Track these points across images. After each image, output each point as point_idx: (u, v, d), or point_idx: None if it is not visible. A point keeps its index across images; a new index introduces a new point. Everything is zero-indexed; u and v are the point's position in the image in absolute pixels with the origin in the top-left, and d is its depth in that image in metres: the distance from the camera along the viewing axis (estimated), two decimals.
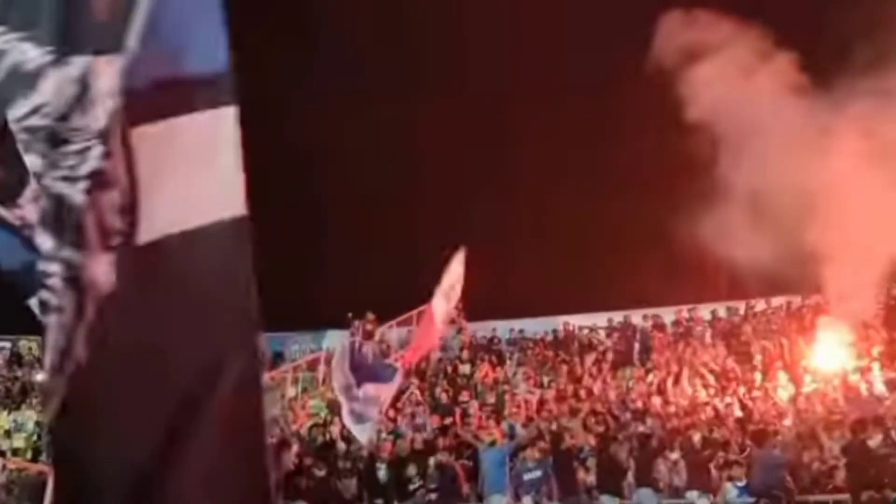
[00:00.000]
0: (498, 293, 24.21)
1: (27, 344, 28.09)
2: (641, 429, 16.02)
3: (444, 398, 19.40)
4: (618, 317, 23.22)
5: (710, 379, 18.92)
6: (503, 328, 24.18)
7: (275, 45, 22.85)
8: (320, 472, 15.43)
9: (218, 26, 2.23)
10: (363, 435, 13.27)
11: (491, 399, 19.01)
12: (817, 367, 18.50)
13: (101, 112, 2.15)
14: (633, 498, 14.53)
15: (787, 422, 15.92)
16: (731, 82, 19.45)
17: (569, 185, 24.21)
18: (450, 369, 22.08)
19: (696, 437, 15.15)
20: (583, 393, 18.93)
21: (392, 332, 24.03)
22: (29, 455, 21.48)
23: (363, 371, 12.65)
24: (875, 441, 13.23)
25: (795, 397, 17.39)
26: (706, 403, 17.57)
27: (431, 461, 15.84)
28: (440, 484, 15.34)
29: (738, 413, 16.86)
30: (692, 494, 14.14)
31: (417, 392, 19.78)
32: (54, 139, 2.19)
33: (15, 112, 2.24)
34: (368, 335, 20.79)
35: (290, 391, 20.96)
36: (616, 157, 23.28)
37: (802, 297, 21.41)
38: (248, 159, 2.24)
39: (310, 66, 24.70)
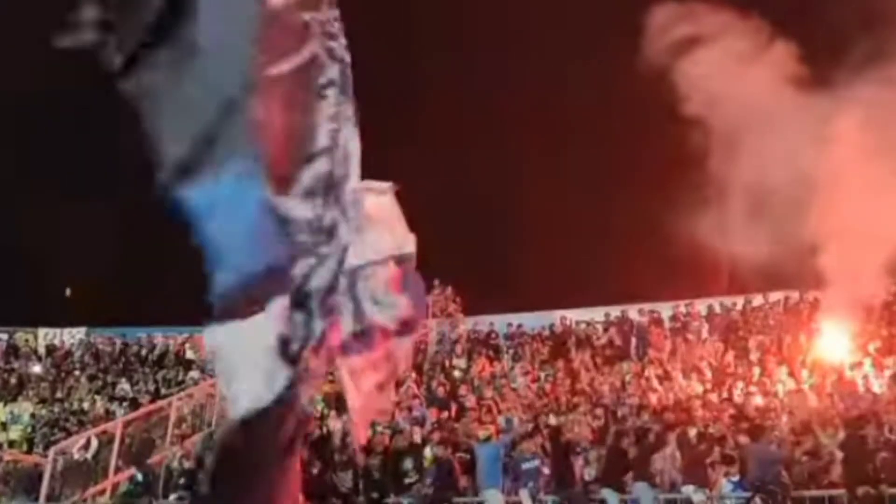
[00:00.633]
0: (495, 288, 24.24)
1: (23, 336, 28.08)
2: (639, 423, 16.05)
3: (440, 392, 19.38)
4: (615, 311, 23.20)
5: (707, 374, 18.97)
6: (500, 323, 24.16)
7: None
8: (315, 467, 15.41)
9: None
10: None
11: (488, 393, 19.00)
12: (814, 363, 18.52)
13: None
14: (630, 492, 14.51)
15: (784, 417, 15.92)
16: (728, 74, 19.44)
17: (566, 180, 24.23)
18: (447, 363, 22.08)
19: (692, 432, 15.15)
20: (580, 387, 18.97)
21: None
22: (24, 447, 21.49)
23: None
24: (872, 437, 13.22)
25: (792, 392, 17.42)
26: (702, 398, 17.60)
27: (428, 455, 15.84)
28: (437, 477, 15.32)
29: (734, 408, 16.89)
30: (688, 489, 14.10)
31: (414, 386, 19.76)
32: None
33: None
34: None
35: None
36: (614, 153, 23.32)
37: (800, 293, 21.41)
38: None
39: None
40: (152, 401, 21.55)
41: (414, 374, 20.75)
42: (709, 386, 18.51)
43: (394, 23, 24.89)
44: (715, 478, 14.27)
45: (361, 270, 3.46)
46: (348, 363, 4.12)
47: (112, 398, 23.11)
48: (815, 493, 13.48)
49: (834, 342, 18.93)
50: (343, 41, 3.27)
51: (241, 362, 2.93)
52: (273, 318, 2.92)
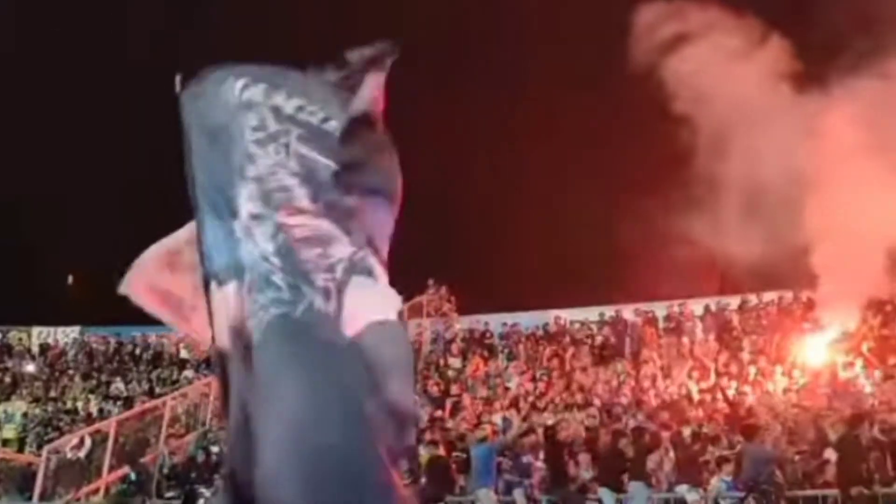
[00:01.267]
0: (490, 288, 24.25)
1: (17, 335, 28.02)
2: (633, 423, 16.08)
3: (434, 391, 19.39)
4: (609, 311, 23.23)
5: (701, 373, 19.00)
6: (495, 322, 24.18)
7: None
8: None
9: None
10: None
11: (483, 393, 19.02)
12: (808, 362, 18.56)
13: None
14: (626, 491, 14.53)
15: (778, 416, 15.96)
16: (718, 72, 19.48)
17: (561, 180, 24.25)
18: (441, 362, 22.10)
19: (687, 432, 15.19)
20: (574, 387, 19.00)
21: None
22: (17, 446, 21.46)
23: None
24: (866, 437, 13.25)
25: (786, 392, 17.46)
26: (697, 398, 17.65)
27: (423, 454, 15.84)
28: (432, 477, 15.31)
29: (729, 408, 16.93)
30: (682, 488, 14.12)
31: None
32: None
33: None
34: None
35: None
36: (608, 152, 23.33)
37: (794, 292, 21.44)
38: None
39: None
40: (146, 400, 21.52)
41: None
42: (703, 385, 18.52)
43: (389, 22, 24.88)
44: (709, 477, 14.31)
45: None
46: None
47: (106, 397, 23.09)
48: (808, 492, 13.51)
49: (827, 342, 18.98)
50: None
51: None
52: None
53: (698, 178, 19.03)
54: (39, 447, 19.82)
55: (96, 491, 17.78)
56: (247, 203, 3.38)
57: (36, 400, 23.47)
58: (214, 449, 17.16)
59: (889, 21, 18.46)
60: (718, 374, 18.72)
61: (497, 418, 17.09)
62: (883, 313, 19.45)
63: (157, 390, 22.86)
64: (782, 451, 14.32)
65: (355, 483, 3.00)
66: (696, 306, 22.59)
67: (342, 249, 3.39)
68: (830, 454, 13.71)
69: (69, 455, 18.21)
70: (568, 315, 23.90)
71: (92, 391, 23.57)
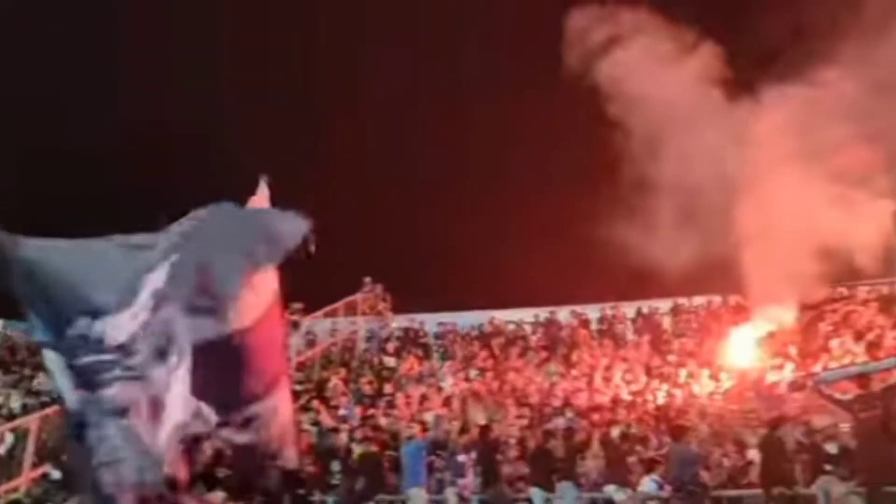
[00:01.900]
0: (426, 287, 24.25)
1: None
2: (565, 423, 16.23)
3: (368, 389, 19.31)
4: (544, 313, 23.40)
5: (632, 375, 19.25)
6: (431, 322, 24.19)
7: None
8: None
9: None
10: None
11: (415, 392, 19.00)
12: (735, 365, 18.93)
13: None
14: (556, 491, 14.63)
15: (705, 418, 16.25)
16: (650, 76, 19.79)
17: (498, 183, 24.34)
18: (376, 361, 22.02)
19: (616, 432, 15.37)
20: (507, 387, 19.09)
21: (318, 324, 23.85)
22: None
23: None
24: (788, 438, 13.57)
25: (713, 394, 17.79)
26: (627, 399, 17.87)
27: (356, 452, 15.76)
28: (364, 475, 15.25)
29: (658, 409, 17.20)
30: (610, 488, 14.28)
31: (341, 383, 19.65)
32: None
33: None
34: (293, 326, 20.58)
35: None
36: (545, 155, 23.49)
37: (723, 297, 21.83)
38: None
39: None
40: None
41: (343, 372, 20.66)
42: (633, 387, 18.77)
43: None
44: (638, 477, 14.49)
45: None
46: None
47: (29, 392, 22.47)
48: (732, 492, 13.78)
49: (753, 345, 19.38)
50: None
51: None
52: None
53: (632, 182, 19.30)
54: None
55: (17, 488, 17.29)
56: None
57: None
58: None
59: (818, 30, 18.99)
60: (649, 376, 18.99)
61: (429, 417, 17.07)
62: (808, 317, 19.91)
63: None
64: (708, 452, 14.55)
65: None
66: (629, 309, 22.90)
67: None
68: (755, 455, 13.99)
69: None
70: (503, 316, 24.02)
71: (14, 386, 22.92)
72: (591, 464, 14.73)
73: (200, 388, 4.95)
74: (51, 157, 25.31)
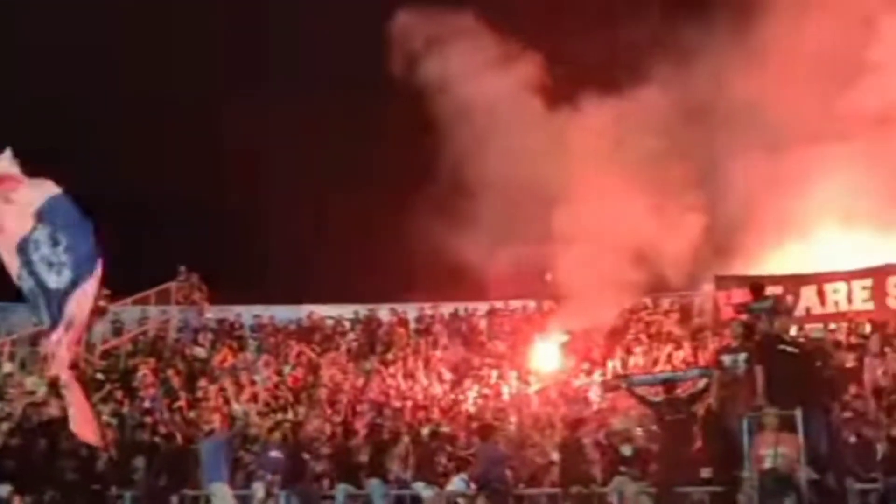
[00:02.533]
0: (245, 278, 23.77)
1: None
2: (378, 420, 16.29)
3: (176, 381, 18.68)
4: (364, 310, 23.41)
5: (446, 375, 19.56)
6: (247, 313, 23.70)
7: None
8: (35, 454, 14.38)
9: None
10: None
11: (227, 384, 18.53)
12: (544, 368, 19.57)
13: None
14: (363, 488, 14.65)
15: (513, 419, 16.71)
16: (474, 81, 20.23)
17: (320, 179, 24.15)
18: (187, 352, 21.35)
19: (426, 431, 15.56)
20: (322, 382, 18.97)
21: (126, 311, 22.90)
22: None
23: None
24: (588, 440, 14.15)
25: (522, 396, 18.31)
26: (440, 398, 18.13)
27: (161, 446, 15.25)
28: (168, 470, 14.77)
29: (469, 409, 17.56)
30: (418, 486, 14.43)
31: (150, 373, 18.93)
32: None
33: None
34: (100, 312, 19.64)
35: (7, 367, 19.40)
36: (369, 154, 23.50)
37: (537, 302, 22.51)
38: None
39: None
40: None
41: (152, 361, 19.92)
42: (447, 387, 19.07)
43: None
44: (446, 475, 14.72)
45: None
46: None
47: None
48: (534, 491, 14.22)
49: (562, 350, 20.10)
50: None
51: None
52: None
53: (453, 185, 19.64)
54: None
55: None
56: None
57: None
58: None
59: (636, 49, 20.02)
60: (462, 377, 19.33)
61: (239, 410, 16.73)
62: (615, 324, 20.81)
63: None
64: (514, 452, 14.96)
65: None
66: (447, 309, 23.23)
67: None
68: (557, 455, 14.49)
69: None
70: (322, 311, 23.85)
71: None
72: (399, 461, 14.82)
73: None
74: None
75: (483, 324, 22.61)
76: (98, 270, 7.36)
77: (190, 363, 20.52)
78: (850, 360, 15.41)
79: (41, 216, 7.53)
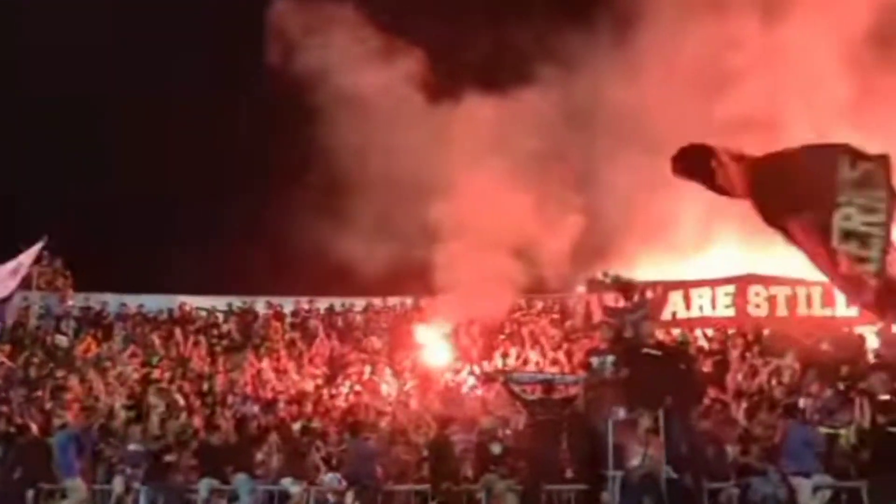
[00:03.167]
0: (113, 265, 22.97)
1: None
2: (247, 414, 15.99)
3: (32, 372, 17.90)
4: (238, 302, 22.96)
5: (320, 370, 19.38)
6: (114, 301, 22.90)
7: None
8: None
9: None
10: None
11: (90, 375, 17.87)
12: (419, 365, 19.60)
13: None
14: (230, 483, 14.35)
15: (386, 415, 16.66)
16: (355, 73, 20.14)
17: (197, 170, 23.56)
18: (48, 340, 20.49)
19: (297, 426, 15.37)
20: (192, 375, 18.52)
21: None
22: None
23: None
24: (458, 437, 14.24)
25: (397, 392, 18.31)
26: (313, 394, 17.94)
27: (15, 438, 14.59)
28: (23, 464, 14.13)
29: (343, 404, 17.42)
30: (287, 481, 14.23)
31: (7, 361, 18.09)
32: None
33: None
34: None
35: None
36: (244, 146, 23.06)
37: (415, 298, 22.54)
38: None
39: None
40: None
41: (8, 348, 19.04)
42: (320, 382, 18.88)
43: None
44: (315, 471, 14.57)
45: None
46: None
47: None
48: (403, 487, 14.23)
49: (438, 347, 20.19)
50: None
51: None
52: None
53: (333, 179, 19.48)
54: None
55: None
56: None
57: None
58: None
59: (522, 51, 20.31)
60: (336, 372, 19.18)
61: (100, 403, 16.16)
62: (491, 322, 21.01)
63: None
64: (386, 449, 14.92)
65: None
66: (323, 304, 23.02)
67: None
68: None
69: None
70: (195, 302, 23.28)
71: None
72: (268, 456, 14.58)
73: None
74: None
75: (360, 319, 22.51)
76: None
77: (51, 352, 19.70)
78: (711, 365, 16.00)
79: None
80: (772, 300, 18.77)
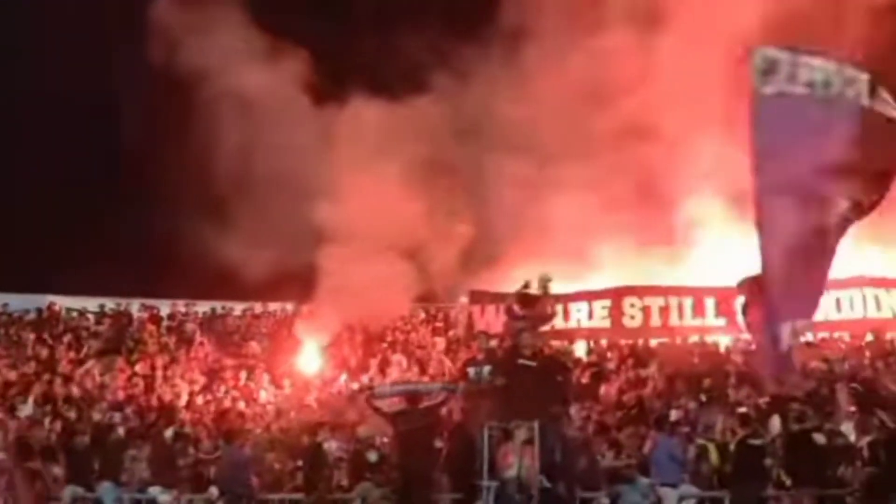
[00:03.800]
0: None
1: None
2: (116, 419, 15.50)
3: None
4: (111, 303, 22.24)
5: (197, 375, 18.91)
6: None
7: None
8: None
9: None
10: None
11: None
12: (297, 372, 19.36)
13: None
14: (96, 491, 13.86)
15: (262, 422, 16.39)
16: (236, 74, 19.87)
17: (78, 167, 22.75)
18: None
19: (169, 432, 14.96)
20: (60, 380, 17.77)
21: None
22: None
23: None
24: (332, 445, 14.15)
25: (273, 399, 18.03)
26: (187, 399, 17.50)
27: None
28: None
29: (217, 411, 17.02)
30: (155, 489, 13.85)
31: None
32: None
33: None
34: None
35: None
36: (129, 144, 22.33)
37: (296, 304, 22.25)
38: None
39: None
40: None
41: None
42: (197, 387, 18.42)
43: None
44: (186, 479, 14.21)
45: None
46: None
47: None
48: (278, 496, 14.01)
49: (317, 354, 19.98)
50: None
51: None
52: None
53: (216, 181, 19.10)
54: None
55: None
56: None
57: None
58: None
59: (414, 57, 20.39)
60: (212, 378, 18.76)
61: None
62: (373, 331, 20.91)
63: None
64: (261, 456, 14.69)
65: None
66: (201, 308, 22.52)
67: None
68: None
69: None
70: (65, 302, 22.42)
71: None
72: (137, 463, 14.12)
73: None
74: None
75: (239, 324, 22.09)
76: None
77: None
78: (589, 377, 16.34)
79: None
80: (646, 311, 19.26)
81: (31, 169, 23.17)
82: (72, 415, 15.85)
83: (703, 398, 14.60)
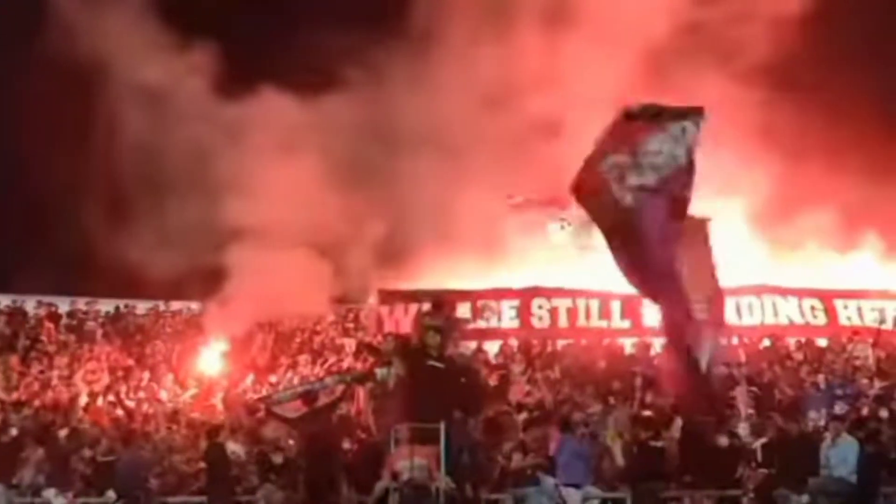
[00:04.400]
0: None
1: None
2: (7, 420, 14.98)
3: None
4: (6, 300, 21.43)
5: (96, 375, 18.38)
6: None
7: None
8: None
9: None
10: None
11: None
12: (202, 373, 18.97)
13: None
14: None
15: (163, 424, 16.00)
16: (144, 67, 19.48)
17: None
18: None
19: (63, 433, 14.51)
20: None
21: None
22: None
23: None
24: (236, 447, 13.93)
25: (178, 400, 17.64)
26: (86, 399, 16.99)
27: None
28: None
29: (120, 412, 16.58)
30: (49, 493, 13.43)
31: None
32: None
33: None
34: None
35: None
36: (22, 139, 21.60)
37: (201, 304, 21.83)
38: None
39: None
40: None
41: None
42: (96, 388, 17.89)
43: None
44: (82, 482, 13.79)
45: None
46: None
47: None
48: (178, 499, 13.72)
49: (222, 355, 19.62)
50: None
51: None
52: None
53: (120, 176, 18.66)
54: None
55: None
56: None
57: None
58: None
59: (325, 54, 20.27)
60: (113, 377, 18.26)
61: None
62: (282, 332, 20.65)
63: None
64: (162, 458, 14.36)
65: None
66: (104, 306, 21.89)
67: None
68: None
69: None
70: None
71: None
72: (30, 466, 13.65)
73: None
74: None
75: (142, 323, 21.54)
76: None
77: None
78: (497, 378, 16.41)
79: None
80: (554, 312, 19.48)
81: None
82: None
83: (611, 400, 14.85)
